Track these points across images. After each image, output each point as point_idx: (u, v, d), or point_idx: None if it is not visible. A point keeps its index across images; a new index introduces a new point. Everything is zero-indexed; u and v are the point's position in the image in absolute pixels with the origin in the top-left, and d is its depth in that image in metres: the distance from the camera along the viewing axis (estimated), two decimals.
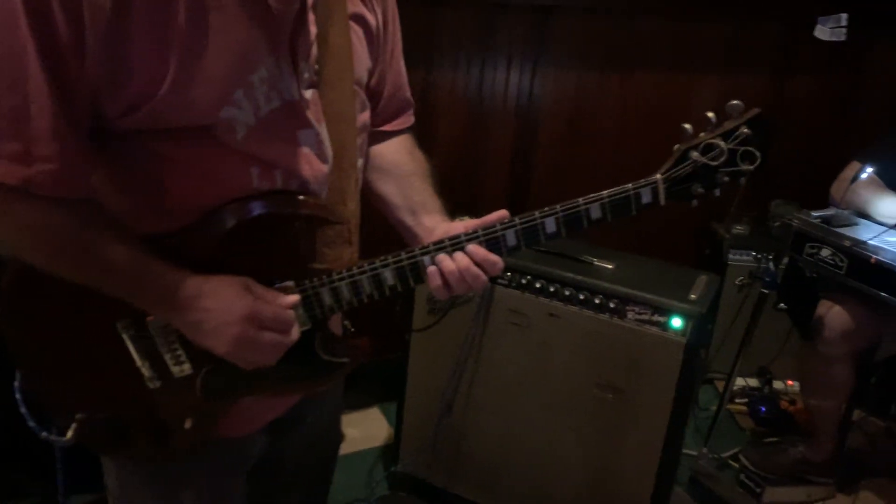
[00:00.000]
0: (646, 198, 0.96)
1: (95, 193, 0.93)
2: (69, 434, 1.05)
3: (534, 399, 2.04)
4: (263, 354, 0.98)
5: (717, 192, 0.96)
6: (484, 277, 1.02)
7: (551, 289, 1.95)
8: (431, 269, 1.02)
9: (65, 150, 0.85)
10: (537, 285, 1.96)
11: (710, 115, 0.95)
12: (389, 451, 2.50)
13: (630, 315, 1.87)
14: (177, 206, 0.96)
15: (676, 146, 0.96)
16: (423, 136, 1.29)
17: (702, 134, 0.96)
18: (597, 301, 1.89)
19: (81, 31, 0.80)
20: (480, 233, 1.00)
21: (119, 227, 0.94)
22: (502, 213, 1.02)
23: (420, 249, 1.01)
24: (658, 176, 0.96)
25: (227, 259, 0.97)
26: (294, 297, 0.99)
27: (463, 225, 1.06)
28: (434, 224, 1.13)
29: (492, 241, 1.00)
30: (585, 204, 0.97)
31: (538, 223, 0.99)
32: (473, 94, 2.75)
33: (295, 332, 0.99)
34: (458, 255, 1.01)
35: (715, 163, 0.94)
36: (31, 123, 0.82)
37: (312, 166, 1.00)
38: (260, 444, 1.19)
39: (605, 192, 0.97)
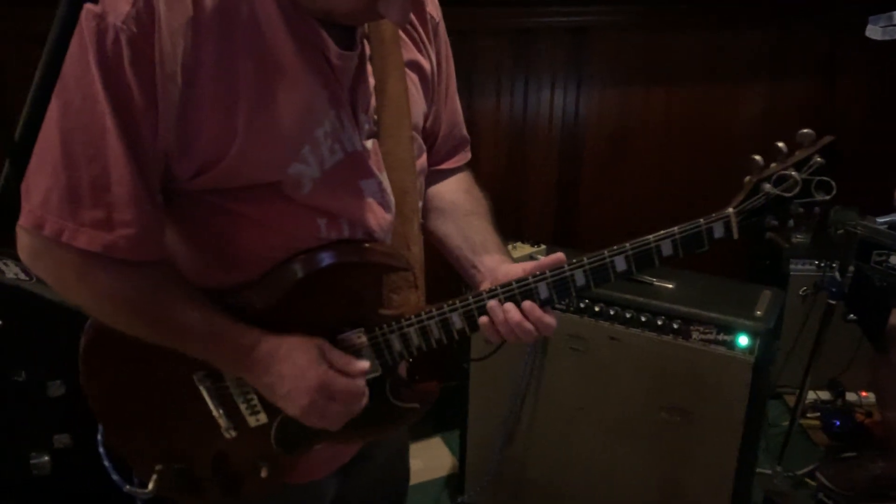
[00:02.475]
0: (718, 232, 0.95)
1: (166, 252, 0.96)
2: (150, 486, 1.08)
3: (597, 425, 2.03)
4: (330, 422, 1.01)
5: (791, 224, 0.94)
6: (536, 333, 1.02)
7: (611, 312, 1.94)
8: (482, 318, 1.02)
9: (142, 214, 0.88)
10: (596, 309, 1.95)
11: (781, 144, 0.93)
12: (453, 481, 2.50)
13: (694, 335, 1.84)
14: (246, 260, 0.98)
15: (747, 178, 0.94)
16: (468, 165, 1.29)
17: (773, 165, 0.94)
18: (659, 322, 1.88)
19: (154, 101, 0.83)
20: (549, 274, 1.00)
21: (192, 289, 0.96)
22: (559, 256, 1.02)
23: (488, 293, 1.01)
24: (730, 210, 0.95)
25: (297, 309, 0.99)
26: (365, 364, 1.01)
27: (521, 266, 1.06)
28: (494, 264, 1.13)
29: (560, 281, 1.00)
30: (656, 241, 0.96)
31: (607, 262, 0.98)
32: (517, 118, 2.76)
33: (364, 401, 1.01)
34: (511, 309, 1.00)
35: (788, 194, 0.92)
36: (110, 190, 0.86)
37: (376, 215, 1.02)
38: (332, 486, 1.21)
39: (675, 227, 0.96)
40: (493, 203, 1.25)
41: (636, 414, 1.96)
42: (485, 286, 1.08)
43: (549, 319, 1.02)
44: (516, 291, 1.01)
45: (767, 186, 0.93)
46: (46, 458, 1.77)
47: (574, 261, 1.00)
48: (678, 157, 2.98)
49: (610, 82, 2.84)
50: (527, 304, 1.01)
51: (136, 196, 0.87)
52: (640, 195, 2.97)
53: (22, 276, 1.75)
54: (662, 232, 0.97)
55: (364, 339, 1.03)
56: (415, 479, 2.35)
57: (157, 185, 0.90)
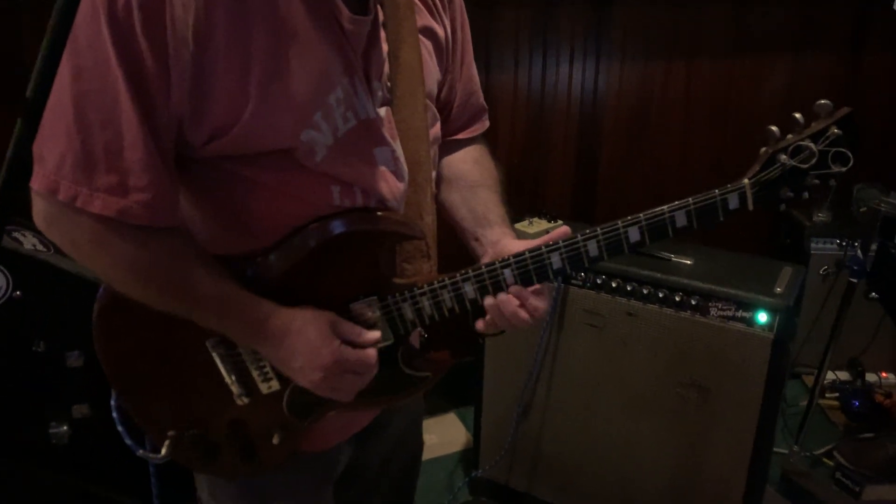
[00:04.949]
0: (733, 203, 0.94)
1: (181, 219, 0.97)
2: (163, 451, 1.10)
3: (613, 400, 2.03)
4: (341, 394, 1.02)
5: (806, 196, 0.93)
6: (525, 317, 1.03)
7: (628, 287, 1.93)
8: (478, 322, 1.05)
9: (156, 179, 0.88)
10: (613, 284, 1.94)
11: (798, 115, 0.92)
12: (468, 456, 2.52)
13: (713, 311, 1.83)
14: (260, 227, 0.99)
15: (763, 149, 0.94)
16: (485, 136, 1.29)
17: (789, 136, 0.93)
18: (677, 298, 1.87)
19: (166, 64, 0.83)
20: (562, 244, 0.99)
21: (207, 258, 0.97)
22: (564, 230, 1.02)
23: (501, 263, 1.02)
24: (745, 181, 0.94)
25: (310, 277, 1.00)
26: (376, 334, 1.02)
27: (524, 243, 1.06)
28: (496, 237, 1.13)
29: (573, 252, 0.99)
30: (670, 211, 0.96)
31: (621, 232, 0.98)
32: (535, 91, 2.73)
33: (374, 371, 1.02)
34: (501, 295, 1.02)
35: (804, 165, 0.92)
36: (124, 155, 0.86)
37: (390, 184, 1.02)
38: (346, 454, 1.22)
39: (690, 198, 0.95)
40: (510, 178, 1.25)
41: (653, 390, 1.96)
42: (485, 259, 1.08)
43: (535, 304, 1.03)
44: (529, 262, 1.01)
45: (783, 157, 0.92)
46: (65, 427, 1.80)
47: (587, 231, 1.00)
48: (699, 133, 2.95)
49: (630, 56, 2.81)
50: (514, 289, 1.02)
51: (150, 161, 0.87)
52: (660, 171, 2.95)
53: (40, 247, 1.77)
54: (677, 202, 0.97)
55: (377, 307, 1.03)
56: (429, 454, 2.39)
57: (171, 150, 0.90)
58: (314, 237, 0.98)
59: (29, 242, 1.76)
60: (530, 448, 2.21)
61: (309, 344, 0.97)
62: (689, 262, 1.96)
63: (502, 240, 1.11)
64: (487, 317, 1.05)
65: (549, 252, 1.00)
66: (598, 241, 0.99)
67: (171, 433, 1.10)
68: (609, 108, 2.85)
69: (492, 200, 1.19)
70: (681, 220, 0.97)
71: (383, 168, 1.01)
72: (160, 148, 0.88)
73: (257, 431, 1.10)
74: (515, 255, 1.01)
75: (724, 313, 1.82)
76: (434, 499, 2.36)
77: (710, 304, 1.83)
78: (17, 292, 1.70)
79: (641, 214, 0.98)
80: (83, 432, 1.81)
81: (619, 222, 0.98)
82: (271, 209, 0.97)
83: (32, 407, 1.79)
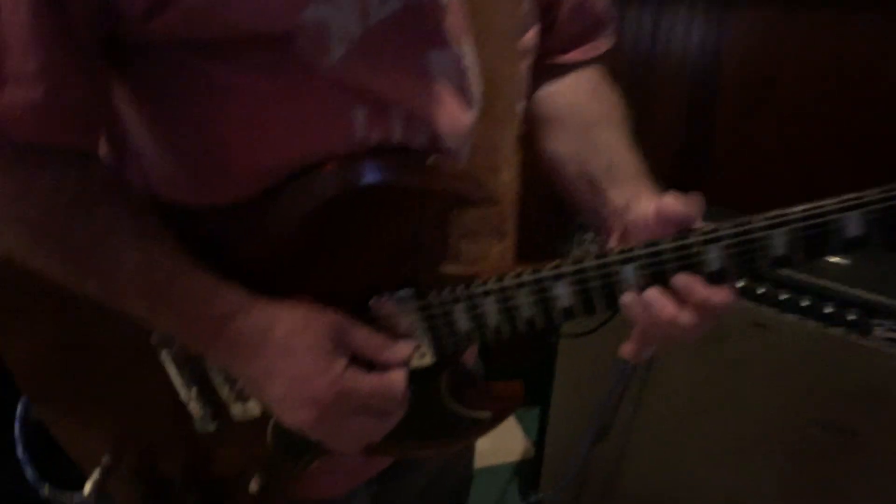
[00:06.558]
0: None
1: (112, 148, 0.68)
2: (87, 487, 0.82)
3: (723, 434, 1.72)
4: (348, 442, 0.71)
5: None
6: (690, 322, 0.68)
7: (758, 290, 1.59)
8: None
9: (54, 67, 0.58)
10: (738, 284, 1.57)
11: None
12: (525, 470, 2.27)
13: (877, 332, 1.48)
14: (238, 165, 0.68)
15: None
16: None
17: None
18: (827, 310, 1.52)
19: None
20: (725, 233, 0.63)
21: (141, 209, 0.66)
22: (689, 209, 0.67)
23: (620, 253, 0.65)
24: None
25: (312, 252, 0.68)
26: (407, 348, 0.69)
27: (665, 202, 0.69)
28: (626, 199, 0.77)
29: (744, 246, 0.64)
30: None
31: (831, 221, 0.61)
32: (644, 41, 2.43)
33: (403, 409, 0.71)
34: (656, 299, 0.67)
35: None
36: None
37: (449, 111, 0.69)
38: (362, 499, 0.94)
39: None
40: None
41: (778, 427, 1.64)
42: (614, 237, 0.75)
43: (720, 297, 0.68)
44: (669, 257, 0.64)
45: None
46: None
47: (771, 214, 0.63)
48: (843, 105, 2.57)
49: (766, 4, 2.45)
50: (681, 278, 0.65)
51: (45, 36, 0.57)
52: (787, 148, 2.59)
53: None
54: None
55: (413, 306, 0.71)
56: (480, 462, 2.11)
57: (86, 24, 0.59)
58: (324, 187, 0.66)
59: None
60: (604, 476, 1.93)
61: (297, 364, 0.66)
62: (845, 261, 1.60)
63: (634, 203, 0.75)
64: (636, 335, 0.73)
65: (705, 242, 0.64)
66: (790, 232, 0.62)
67: (104, 460, 0.82)
68: (731, 66, 2.52)
69: (619, 143, 0.85)
70: None
71: (441, 84, 0.67)
72: (63, 18, 0.57)
73: (228, 471, 0.82)
74: (647, 245, 0.64)
75: (894, 335, 1.47)
76: None
77: (874, 320, 1.48)
78: None
79: (867, 193, 0.60)
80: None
81: (830, 203, 0.61)
82: (257, 137, 0.65)
83: None
